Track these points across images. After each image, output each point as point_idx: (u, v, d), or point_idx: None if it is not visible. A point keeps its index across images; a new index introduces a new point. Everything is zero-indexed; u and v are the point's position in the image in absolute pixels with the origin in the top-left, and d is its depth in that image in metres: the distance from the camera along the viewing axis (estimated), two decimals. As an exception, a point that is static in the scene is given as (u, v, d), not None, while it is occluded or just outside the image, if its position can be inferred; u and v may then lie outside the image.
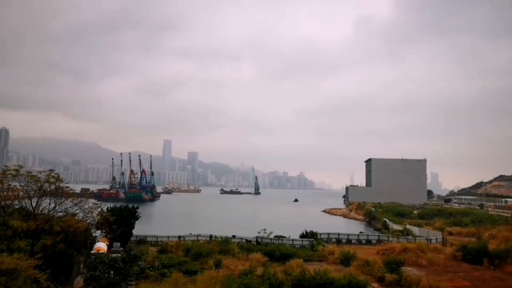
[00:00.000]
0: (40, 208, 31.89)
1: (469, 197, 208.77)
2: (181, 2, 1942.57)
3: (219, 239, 51.09)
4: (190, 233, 56.10)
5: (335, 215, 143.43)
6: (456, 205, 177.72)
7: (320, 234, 59.71)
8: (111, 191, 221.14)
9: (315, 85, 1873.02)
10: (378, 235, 63.86)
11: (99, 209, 41.86)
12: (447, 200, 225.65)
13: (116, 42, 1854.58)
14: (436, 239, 58.77)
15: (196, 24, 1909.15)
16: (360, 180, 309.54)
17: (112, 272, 30.26)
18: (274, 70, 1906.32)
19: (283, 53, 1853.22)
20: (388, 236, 61.07)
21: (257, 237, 54.47)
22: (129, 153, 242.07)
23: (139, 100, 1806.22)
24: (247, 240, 53.35)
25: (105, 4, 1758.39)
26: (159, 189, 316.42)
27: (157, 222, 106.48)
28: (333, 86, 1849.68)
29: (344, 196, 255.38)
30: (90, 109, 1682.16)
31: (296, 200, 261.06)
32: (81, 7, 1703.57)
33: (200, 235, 54.63)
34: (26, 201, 32.50)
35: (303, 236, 57.74)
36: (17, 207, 33.66)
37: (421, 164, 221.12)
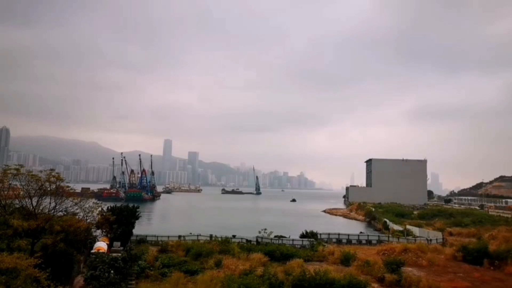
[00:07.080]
0: (41, 208, 31.91)
1: (469, 198, 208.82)
2: None
3: (219, 239, 51.06)
4: (190, 233, 56.01)
5: (336, 215, 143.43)
6: (456, 205, 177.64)
7: (320, 234, 59.77)
8: (112, 190, 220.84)
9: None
10: (379, 236, 63.85)
11: (100, 209, 42.00)
12: (447, 200, 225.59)
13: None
14: (436, 239, 58.78)
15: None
16: (360, 180, 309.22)
17: (112, 271, 30.28)
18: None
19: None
20: (389, 237, 61.05)
21: (257, 237, 54.41)
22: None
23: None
24: (247, 240, 53.30)
25: None
26: (159, 188, 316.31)
27: (157, 222, 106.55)
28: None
29: (344, 196, 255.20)
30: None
31: (293, 200, 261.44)
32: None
33: (200, 235, 54.53)
34: (27, 200, 32.52)
35: (303, 236, 57.78)
36: (17, 206, 33.69)
37: (421, 164, 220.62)
